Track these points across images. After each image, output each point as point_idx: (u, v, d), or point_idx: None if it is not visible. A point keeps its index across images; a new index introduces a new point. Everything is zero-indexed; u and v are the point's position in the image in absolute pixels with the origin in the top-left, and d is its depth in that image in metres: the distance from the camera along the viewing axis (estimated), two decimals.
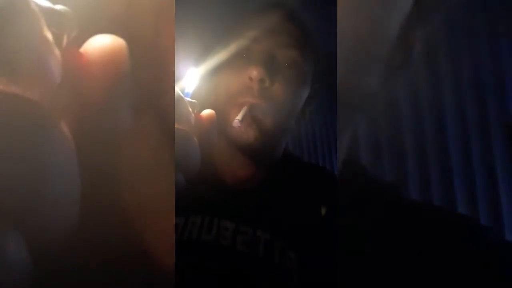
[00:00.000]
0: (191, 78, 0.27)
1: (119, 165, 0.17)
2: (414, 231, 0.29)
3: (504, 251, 0.30)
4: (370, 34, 0.25)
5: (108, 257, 0.17)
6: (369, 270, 0.27)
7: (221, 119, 0.48)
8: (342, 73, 0.25)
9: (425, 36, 0.31)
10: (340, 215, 0.29)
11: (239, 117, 0.44)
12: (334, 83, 0.25)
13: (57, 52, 0.13)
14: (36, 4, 0.12)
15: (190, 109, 0.24)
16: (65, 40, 0.14)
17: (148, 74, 0.19)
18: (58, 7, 0.13)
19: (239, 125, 0.44)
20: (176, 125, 0.22)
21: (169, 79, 0.20)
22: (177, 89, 0.23)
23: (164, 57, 0.20)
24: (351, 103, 0.27)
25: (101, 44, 0.14)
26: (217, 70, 0.48)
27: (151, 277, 0.19)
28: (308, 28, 0.50)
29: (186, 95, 0.27)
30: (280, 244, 0.45)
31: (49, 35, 0.12)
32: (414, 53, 0.31)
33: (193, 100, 0.25)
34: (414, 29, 0.30)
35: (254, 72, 0.45)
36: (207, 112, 0.26)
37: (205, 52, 0.47)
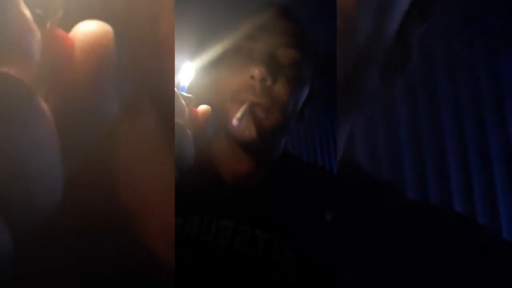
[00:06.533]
0: (187, 73, 0.27)
1: (114, 160, 0.17)
2: (411, 230, 0.29)
3: (501, 250, 0.29)
4: (370, 33, 0.24)
5: (108, 256, 0.17)
6: (367, 269, 0.27)
7: (221, 116, 0.49)
8: (342, 72, 0.24)
9: (422, 34, 0.31)
10: (339, 215, 0.29)
11: (238, 115, 0.44)
12: (334, 82, 0.25)
13: (35, 29, 0.12)
14: None
15: (185, 103, 0.23)
16: (49, 22, 0.14)
17: (148, 67, 0.19)
18: None
19: (237, 123, 0.44)
20: None
21: (169, 73, 0.20)
22: None
23: (163, 50, 0.19)
24: (351, 102, 0.27)
25: (86, 29, 0.14)
26: (216, 67, 0.48)
27: (151, 277, 0.19)
28: (308, 28, 0.50)
29: (182, 89, 0.26)
30: (278, 244, 0.45)
31: (26, 12, 0.12)
32: (413, 52, 0.31)
33: (189, 95, 0.25)
34: (412, 27, 0.30)
35: (256, 71, 0.45)
36: (202, 107, 0.25)
37: (203, 48, 0.47)
